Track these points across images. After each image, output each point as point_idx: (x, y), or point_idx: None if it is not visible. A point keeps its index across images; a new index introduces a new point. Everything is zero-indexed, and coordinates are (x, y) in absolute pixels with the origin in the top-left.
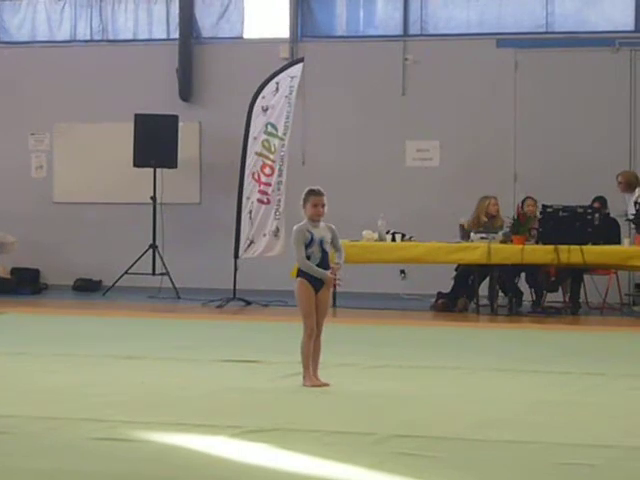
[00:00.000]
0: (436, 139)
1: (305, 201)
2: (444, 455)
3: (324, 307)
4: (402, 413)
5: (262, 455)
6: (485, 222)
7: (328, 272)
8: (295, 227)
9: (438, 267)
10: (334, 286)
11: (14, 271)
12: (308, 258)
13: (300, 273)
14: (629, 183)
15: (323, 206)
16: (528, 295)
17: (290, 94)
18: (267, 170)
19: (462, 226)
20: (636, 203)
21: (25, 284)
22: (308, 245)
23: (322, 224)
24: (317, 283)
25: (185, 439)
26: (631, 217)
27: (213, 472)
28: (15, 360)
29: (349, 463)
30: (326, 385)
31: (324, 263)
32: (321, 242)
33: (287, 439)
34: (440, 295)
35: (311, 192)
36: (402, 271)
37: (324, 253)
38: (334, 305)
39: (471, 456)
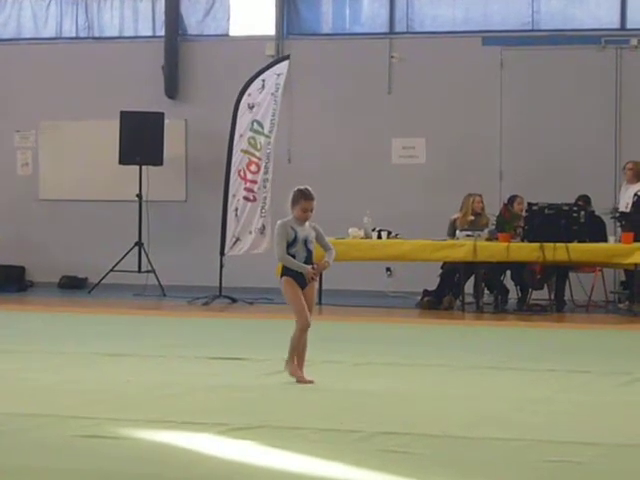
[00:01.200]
0: (422, 136)
1: (295, 202)
2: (429, 452)
3: (309, 303)
4: (387, 410)
5: (248, 452)
6: (471, 220)
7: (309, 267)
8: (279, 222)
9: (424, 265)
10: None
11: None
12: (293, 257)
13: (284, 272)
14: (638, 173)
15: (311, 211)
16: (514, 293)
17: (276, 91)
18: (253, 167)
19: (453, 221)
20: (635, 195)
21: (10, 281)
22: (292, 244)
23: (307, 224)
24: (301, 279)
25: (171, 436)
26: (625, 210)
27: (199, 469)
28: (1, 358)
29: (335, 460)
30: (311, 382)
31: (308, 262)
32: (305, 241)
33: (273, 436)
34: (426, 293)
35: (302, 195)
36: (388, 269)
37: (308, 252)
38: (319, 303)
39: (457, 453)
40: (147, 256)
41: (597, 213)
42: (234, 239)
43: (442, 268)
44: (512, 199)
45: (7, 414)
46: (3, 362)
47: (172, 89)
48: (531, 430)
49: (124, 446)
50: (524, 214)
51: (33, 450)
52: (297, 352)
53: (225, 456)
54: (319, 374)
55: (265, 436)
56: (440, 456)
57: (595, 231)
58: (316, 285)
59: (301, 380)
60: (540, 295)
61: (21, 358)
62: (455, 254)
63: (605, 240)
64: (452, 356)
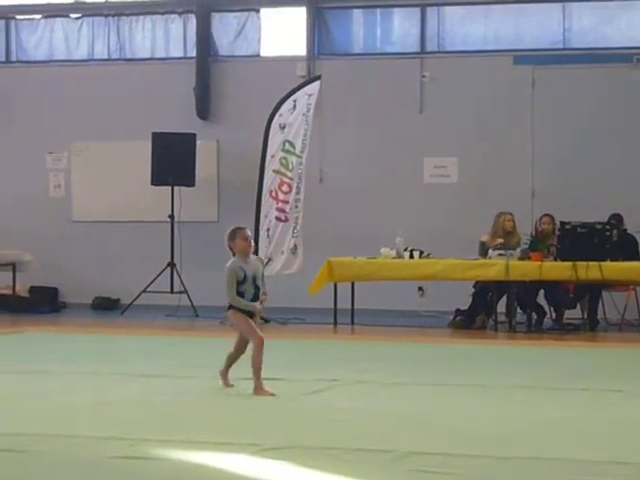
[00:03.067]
0: (454, 156)
1: (232, 238)
2: (462, 472)
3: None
4: (420, 430)
5: (281, 473)
6: (500, 242)
7: (256, 304)
8: (227, 265)
9: (456, 284)
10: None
11: (32, 289)
12: (242, 294)
13: (231, 306)
14: None
15: (251, 238)
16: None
17: (307, 112)
18: (285, 188)
19: (483, 243)
20: None
21: (43, 302)
22: (242, 282)
23: (252, 257)
24: (248, 313)
25: (204, 457)
26: None
27: None
28: (33, 379)
29: None
30: (272, 394)
31: (255, 298)
32: (254, 279)
33: (306, 457)
34: (458, 312)
35: (235, 229)
36: (420, 288)
37: (256, 289)
38: (352, 322)
39: (489, 473)
40: (179, 277)
41: (629, 231)
42: (266, 259)
43: (474, 287)
44: (541, 218)
45: (40, 435)
46: (36, 383)
47: (204, 110)
48: (563, 449)
49: (157, 467)
50: (557, 233)
51: (66, 471)
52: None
53: (258, 476)
54: (351, 394)
55: (298, 456)
56: (473, 476)
57: (628, 249)
58: (258, 317)
59: (265, 393)
60: (573, 314)
61: (53, 379)
62: (487, 273)
63: (638, 258)
64: (485, 376)
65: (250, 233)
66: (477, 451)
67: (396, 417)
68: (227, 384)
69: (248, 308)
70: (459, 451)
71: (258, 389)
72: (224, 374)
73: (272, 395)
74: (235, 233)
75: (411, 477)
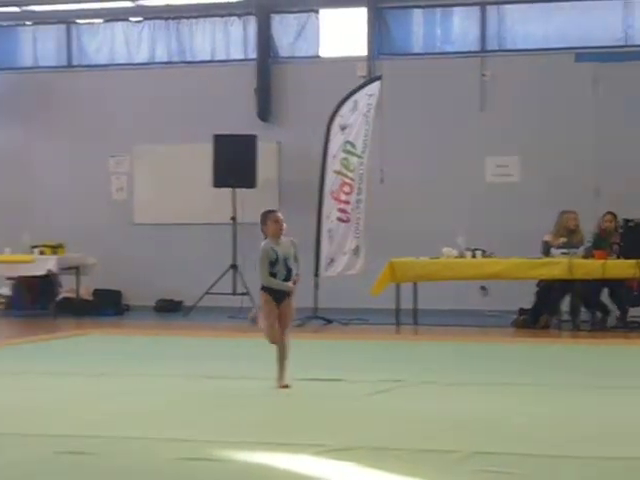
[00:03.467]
0: (515, 154)
1: (264, 221)
2: (528, 472)
3: (286, 316)
4: (485, 430)
5: (346, 473)
6: (563, 241)
7: (289, 283)
8: (261, 245)
9: (519, 283)
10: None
11: (96, 292)
12: (274, 275)
13: (263, 287)
14: None
15: (282, 221)
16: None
17: (368, 112)
18: (346, 188)
19: (546, 242)
20: None
21: (107, 305)
22: (274, 263)
23: (284, 239)
24: (279, 295)
25: (269, 458)
26: None
27: None
28: (99, 381)
29: None
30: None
31: (287, 279)
32: (285, 260)
33: (371, 457)
34: (522, 311)
35: (267, 212)
36: (483, 287)
37: (288, 270)
38: (415, 323)
39: (556, 473)
40: (242, 278)
41: None
42: (328, 260)
43: (538, 286)
44: (603, 216)
45: (104, 437)
46: (103, 385)
47: (264, 112)
48: (631, 448)
49: (222, 468)
50: (620, 230)
51: (130, 473)
52: (278, 361)
53: (323, 477)
54: (414, 395)
55: (363, 457)
56: (540, 476)
57: None
58: (292, 302)
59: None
60: (637, 312)
61: (118, 381)
62: (551, 272)
63: None
64: (549, 375)
65: (281, 216)
66: (543, 451)
67: (460, 417)
68: (284, 386)
69: (281, 287)
70: (525, 451)
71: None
72: (282, 377)
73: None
74: (267, 216)
75: (476, 477)
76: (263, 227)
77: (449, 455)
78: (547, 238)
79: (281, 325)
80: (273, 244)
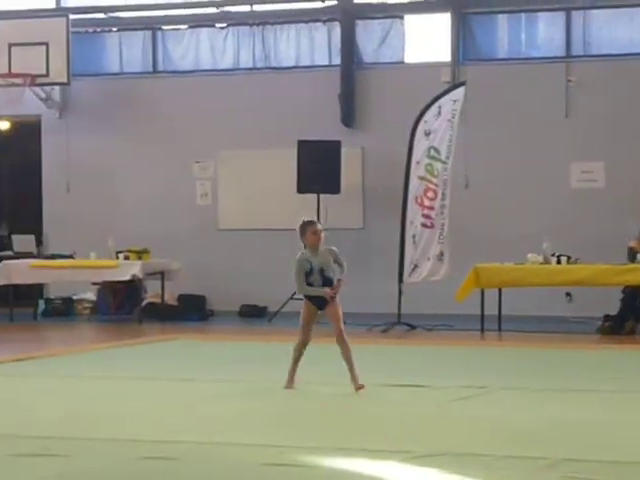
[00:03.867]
0: (601, 160)
1: (303, 232)
2: (615, 479)
3: (334, 318)
4: (572, 437)
5: None
6: None
7: (326, 289)
8: (297, 256)
9: (604, 289)
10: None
11: (181, 298)
12: (310, 284)
13: (304, 296)
14: None
15: (322, 232)
16: None
17: (452, 118)
18: (430, 194)
19: (631, 248)
20: None
21: (192, 310)
22: (309, 274)
23: (323, 249)
24: (319, 302)
25: (354, 464)
26: None
27: None
28: (183, 386)
29: None
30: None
31: (326, 286)
32: (321, 270)
33: (458, 464)
34: (607, 318)
35: (307, 222)
36: (568, 294)
37: (324, 279)
38: (499, 329)
39: None
40: None
41: None
42: (412, 266)
43: (623, 292)
44: None
45: (191, 442)
46: (188, 390)
47: (348, 117)
48: None
49: (307, 474)
50: None
51: (218, 478)
52: (346, 362)
53: None
54: (499, 401)
55: (448, 464)
56: None
57: None
58: (338, 305)
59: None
60: None
61: (205, 387)
62: (636, 278)
63: None
64: (634, 382)
65: (320, 227)
66: (630, 458)
67: (546, 424)
68: (359, 388)
69: (317, 293)
70: (611, 458)
71: (288, 380)
72: (353, 378)
73: (291, 389)
74: (306, 227)
75: None
76: (302, 238)
77: (535, 462)
78: (632, 244)
79: (334, 329)
80: (310, 255)
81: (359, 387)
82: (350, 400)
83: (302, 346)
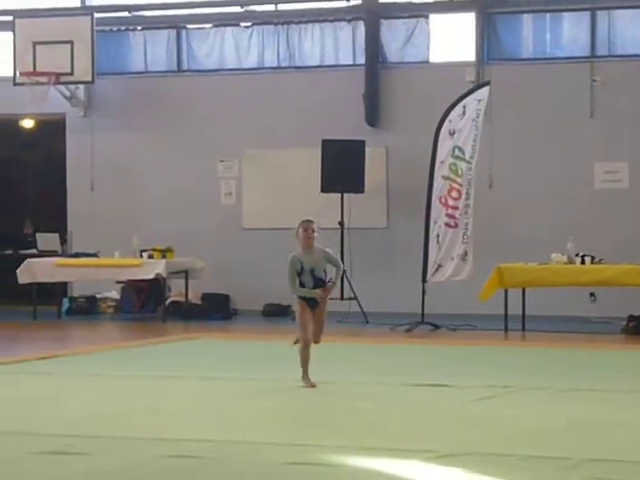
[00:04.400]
0: (625, 160)
1: (297, 230)
2: None
3: (319, 321)
4: (595, 437)
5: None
6: None
7: (317, 290)
8: (289, 256)
9: (629, 290)
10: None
11: (205, 296)
12: (302, 284)
13: (298, 296)
14: None
15: (313, 231)
16: None
17: (477, 117)
18: (454, 194)
19: None
20: None
21: (216, 309)
22: (300, 274)
23: (317, 250)
24: (311, 302)
25: (378, 463)
26: None
27: None
28: (207, 385)
29: None
30: (313, 385)
31: (317, 287)
32: (312, 271)
33: (482, 464)
34: (631, 318)
35: (302, 222)
36: (592, 294)
37: (315, 280)
38: (522, 329)
39: None
40: (350, 283)
41: None
42: (436, 265)
43: None
44: None
45: (215, 441)
46: (211, 389)
47: (373, 117)
48: None
49: (331, 473)
50: None
51: (240, 477)
52: (305, 364)
53: None
54: (523, 401)
55: (473, 463)
56: None
57: None
58: (324, 309)
59: (309, 385)
60: None
61: (229, 385)
62: None
63: None
64: None
65: (315, 227)
66: None
67: (570, 424)
68: (310, 384)
69: (308, 294)
70: (636, 458)
71: (303, 379)
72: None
73: (313, 387)
74: (299, 225)
75: None
76: (297, 236)
77: (559, 462)
78: None
79: (315, 327)
80: (302, 254)
81: (313, 385)
82: (373, 399)
83: (306, 347)
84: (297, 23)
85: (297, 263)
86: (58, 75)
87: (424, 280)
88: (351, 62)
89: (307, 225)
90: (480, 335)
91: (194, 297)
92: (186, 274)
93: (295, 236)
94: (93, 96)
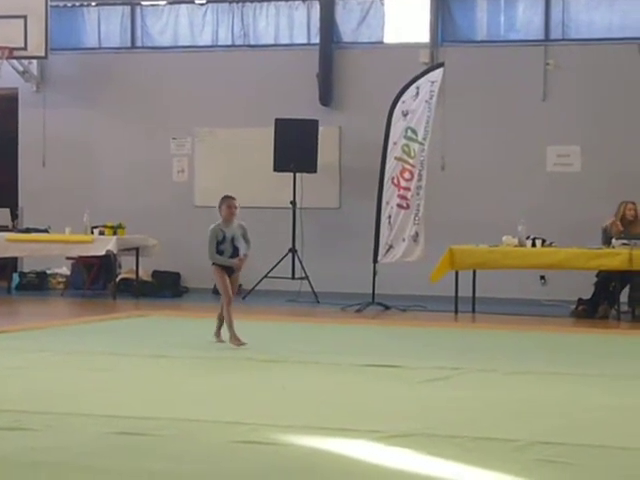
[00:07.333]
0: (577, 144)
1: (220, 205)
2: (587, 463)
3: (234, 285)
4: (543, 420)
5: (403, 460)
6: (620, 229)
7: (234, 260)
8: (210, 226)
9: (579, 273)
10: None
11: (155, 274)
12: (221, 252)
13: (214, 263)
14: None
15: (235, 207)
16: None
17: (430, 99)
18: (407, 175)
19: (604, 230)
20: None
21: (166, 287)
22: (221, 242)
23: (235, 223)
24: (228, 269)
25: (325, 443)
26: None
27: (352, 476)
28: (157, 363)
29: (490, 469)
30: (244, 343)
31: (234, 255)
32: (232, 239)
33: (428, 444)
34: (581, 301)
35: (225, 197)
36: (542, 277)
37: (234, 248)
38: (473, 311)
39: (615, 464)
40: (301, 263)
41: None
42: (387, 246)
43: (597, 277)
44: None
45: (161, 419)
46: (159, 367)
47: (326, 96)
48: None
49: (279, 452)
50: None
51: (188, 455)
52: (231, 325)
53: (380, 463)
54: (472, 383)
55: (420, 444)
56: (599, 467)
57: None
58: (238, 277)
59: (239, 343)
60: None
61: (177, 363)
62: (610, 263)
63: None
64: (608, 366)
65: (237, 204)
66: (601, 441)
67: (518, 406)
68: (220, 340)
69: (226, 263)
70: (582, 441)
71: (232, 339)
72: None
73: (244, 344)
74: (223, 201)
75: (534, 467)
76: (219, 210)
77: (507, 444)
78: (608, 222)
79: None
80: (223, 226)
81: (240, 343)
82: (322, 379)
83: (229, 304)
84: (252, 1)
85: (220, 233)
86: (11, 50)
87: (375, 261)
88: (305, 41)
89: (230, 202)
90: (430, 316)
91: (145, 274)
92: (137, 251)
93: (218, 210)
94: (46, 71)
